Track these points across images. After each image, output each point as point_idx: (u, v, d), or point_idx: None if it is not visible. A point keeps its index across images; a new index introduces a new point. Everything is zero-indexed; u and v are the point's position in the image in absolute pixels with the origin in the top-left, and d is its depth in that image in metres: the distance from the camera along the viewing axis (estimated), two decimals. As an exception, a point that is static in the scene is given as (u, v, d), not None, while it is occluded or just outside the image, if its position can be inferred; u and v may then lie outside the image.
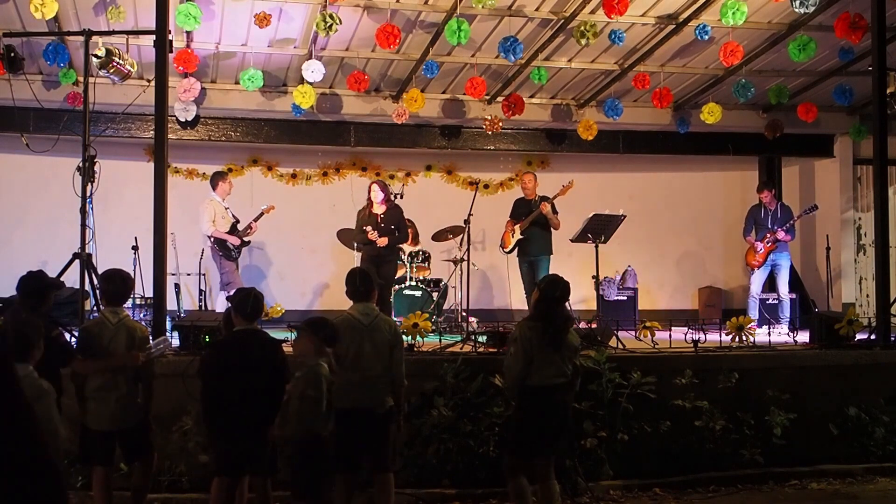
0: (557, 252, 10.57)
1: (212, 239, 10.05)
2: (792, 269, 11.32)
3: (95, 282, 7.23)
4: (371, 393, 5.28)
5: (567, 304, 10.46)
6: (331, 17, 8.82)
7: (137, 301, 9.43)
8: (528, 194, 10.30)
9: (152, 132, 7.96)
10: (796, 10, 8.71)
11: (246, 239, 10.35)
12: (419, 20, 9.55)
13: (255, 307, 5.32)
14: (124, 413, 5.38)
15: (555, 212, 10.09)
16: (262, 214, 10.44)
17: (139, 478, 5.58)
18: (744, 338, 7.92)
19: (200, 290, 11.06)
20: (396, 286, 10.08)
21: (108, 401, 5.32)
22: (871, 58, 8.77)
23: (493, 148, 12.46)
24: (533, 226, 10.06)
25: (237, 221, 10.27)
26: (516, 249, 10.29)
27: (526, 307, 10.29)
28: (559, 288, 5.63)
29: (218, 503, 5.35)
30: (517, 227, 10.17)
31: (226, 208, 10.25)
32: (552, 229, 10.13)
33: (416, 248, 10.75)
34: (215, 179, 10.38)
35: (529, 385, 5.49)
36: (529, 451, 5.55)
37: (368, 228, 9.43)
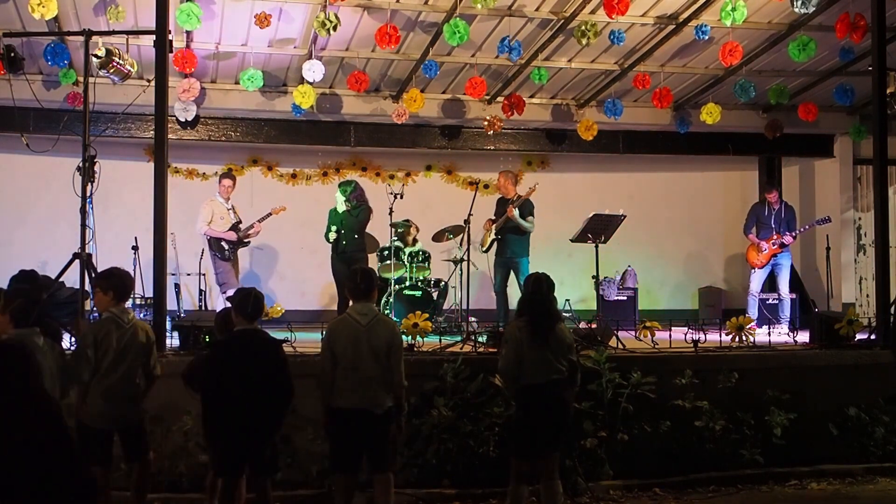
0: (558, 252, 10.57)
1: (206, 238, 10.12)
2: (792, 268, 11.32)
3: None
4: (368, 394, 5.25)
5: (567, 303, 10.58)
6: (332, 16, 8.82)
7: (137, 301, 9.44)
8: (504, 193, 10.24)
9: (152, 132, 7.96)
10: (796, 11, 8.71)
11: (246, 239, 10.35)
12: (419, 20, 9.55)
13: (256, 307, 5.33)
14: (127, 412, 5.37)
15: (529, 213, 9.89)
16: (269, 215, 10.42)
17: (140, 477, 5.55)
18: (744, 338, 7.92)
19: (200, 290, 11.06)
20: (396, 286, 10.08)
21: (114, 399, 5.30)
22: (871, 58, 8.77)
23: (493, 148, 12.45)
24: (507, 228, 9.98)
25: (239, 222, 10.27)
26: (493, 249, 10.22)
27: (494, 305, 10.33)
28: (532, 283, 5.77)
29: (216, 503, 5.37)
30: (493, 227, 10.15)
31: (228, 209, 10.26)
32: (530, 231, 9.94)
33: (416, 248, 10.74)
34: (222, 179, 10.48)
35: (524, 384, 5.53)
36: (530, 451, 5.56)
37: (333, 229, 9.75)
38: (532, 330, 5.52)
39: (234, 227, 10.22)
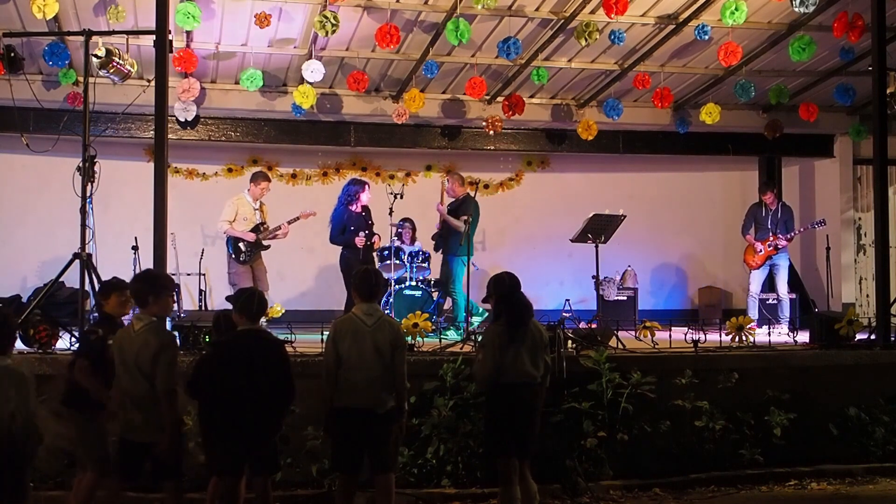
0: (558, 252, 10.54)
1: (225, 238, 9.84)
2: (792, 268, 11.33)
3: (95, 282, 7.24)
4: (372, 393, 5.28)
5: (567, 303, 10.57)
6: (332, 17, 8.82)
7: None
8: (451, 195, 10.28)
9: (152, 132, 7.96)
10: (796, 10, 8.72)
11: (266, 242, 9.97)
12: (419, 20, 9.55)
13: (260, 307, 5.35)
14: (136, 424, 5.11)
15: (464, 213, 9.78)
16: (297, 218, 10.14)
17: None
18: (744, 338, 7.93)
19: (200, 290, 11.07)
20: (396, 286, 10.08)
21: (124, 408, 5.18)
22: (871, 58, 8.78)
23: (493, 148, 12.45)
24: (445, 226, 10.08)
25: (262, 223, 9.92)
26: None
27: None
28: (507, 283, 5.77)
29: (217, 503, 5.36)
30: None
31: (255, 209, 9.92)
32: (459, 230, 9.83)
33: (416, 248, 10.74)
34: (253, 178, 10.10)
35: (501, 382, 5.56)
36: (501, 448, 5.60)
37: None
38: (510, 332, 5.57)
39: (256, 229, 9.86)
